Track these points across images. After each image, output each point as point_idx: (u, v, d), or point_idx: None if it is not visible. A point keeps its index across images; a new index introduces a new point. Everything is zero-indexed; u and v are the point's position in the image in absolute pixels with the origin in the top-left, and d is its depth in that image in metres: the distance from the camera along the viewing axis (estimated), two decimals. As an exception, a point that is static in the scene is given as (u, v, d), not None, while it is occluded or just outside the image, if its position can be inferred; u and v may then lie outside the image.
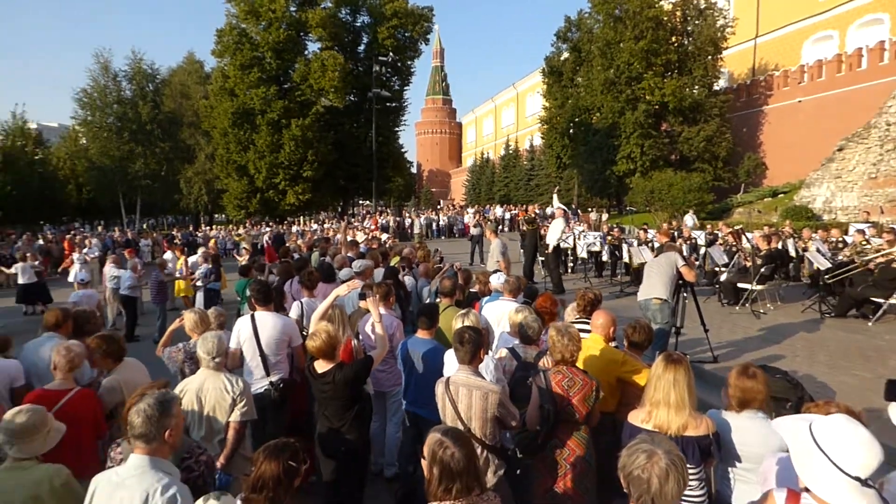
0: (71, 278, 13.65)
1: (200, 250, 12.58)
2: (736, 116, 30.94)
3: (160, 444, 2.17)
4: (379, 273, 7.18)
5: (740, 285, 10.22)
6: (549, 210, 31.79)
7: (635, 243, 12.57)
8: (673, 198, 24.29)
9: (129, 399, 2.38)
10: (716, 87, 30.42)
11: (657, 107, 29.09)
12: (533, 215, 14.25)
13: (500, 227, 30.33)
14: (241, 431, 3.42)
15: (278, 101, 32.74)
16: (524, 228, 14.24)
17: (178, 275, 11.29)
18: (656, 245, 11.11)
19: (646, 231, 14.54)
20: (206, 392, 3.37)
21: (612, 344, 3.99)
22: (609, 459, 3.49)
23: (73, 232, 29.57)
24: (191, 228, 36.44)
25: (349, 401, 3.52)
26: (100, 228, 34.83)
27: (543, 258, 13.60)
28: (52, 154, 43.53)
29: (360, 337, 4.77)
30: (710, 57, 28.75)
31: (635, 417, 2.83)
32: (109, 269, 10.83)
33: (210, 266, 10.47)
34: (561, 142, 37.59)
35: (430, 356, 4.07)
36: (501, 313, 5.07)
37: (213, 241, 19.81)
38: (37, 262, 13.52)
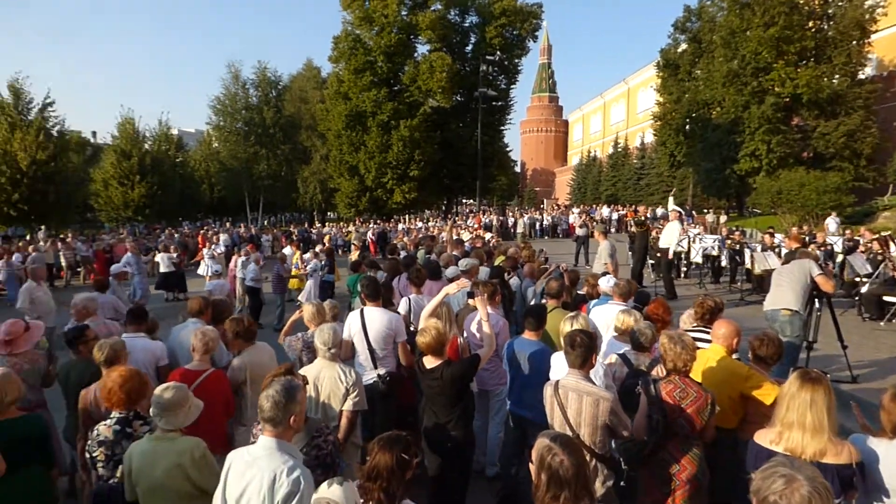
0: (200, 271, 15.17)
1: (318, 247, 13.45)
2: (885, 108, 27.32)
3: (286, 429, 2.33)
4: (483, 272, 7.21)
5: (886, 298, 9.10)
6: (659, 211, 30.15)
7: (759, 248, 11.55)
8: (804, 199, 21.91)
9: (263, 382, 2.59)
10: (861, 76, 26.98)
11: (788, 99, 26.40)
12: (643, 218, 13.57)
13: (608, 228, 29.26)
14: (353, 420, 3.58)
15: (388, 103, 34.01)
16: (633, 230, 13.63)
17: (294, 269, 12.17)
18: (784, 251, 10.17)
19: (772, 235, 13.31)
20: (322, 380, 3.57)
21: (735, 356, 3.70)
22: (727, 479, 3.26)
23: (205, 228, 32.74)
24: (306, 225, 38.93)
25: (456, 397, 3.57)
26: (228, 225, 38.20)
27: (654, 261, 12.93)
28: (190, 157, 48.36)
29: (465, 335, 4.82)
30: (854, 42, 25.50)
31: (763, 438, 2.61)
32: (239, 262, 11.88)
33: (318, 261, 11.38)
34: (675, 139, 35.44)
35: (536, 358, 4.02)
36: (611, 318, 4.89)
37: (327, 237, 21.02)
38: (175, 255, 15.11)
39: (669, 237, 11.32)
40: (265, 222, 49.90)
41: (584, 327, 3.70)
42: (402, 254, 10.81)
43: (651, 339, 3.93)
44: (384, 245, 23.84)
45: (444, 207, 44.54)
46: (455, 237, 13.25)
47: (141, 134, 36.68)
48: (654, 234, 13.30)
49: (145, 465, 2.70)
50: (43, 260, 14.53)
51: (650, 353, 3.96)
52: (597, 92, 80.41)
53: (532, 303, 6.59)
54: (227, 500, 2.32)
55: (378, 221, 33.29)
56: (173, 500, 2.72)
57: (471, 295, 4.73)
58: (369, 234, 25.81)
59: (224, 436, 3.78)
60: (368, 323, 4.51)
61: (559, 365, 3.73)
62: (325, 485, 1.96)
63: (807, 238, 13.16)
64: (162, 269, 14.58)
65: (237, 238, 23.68)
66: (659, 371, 3.48)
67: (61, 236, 23.57)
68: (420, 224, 31.60)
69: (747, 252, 11.77)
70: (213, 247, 17.28)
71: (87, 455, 3.02)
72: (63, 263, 18.15)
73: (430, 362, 3.59)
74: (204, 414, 3.00)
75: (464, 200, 52.53)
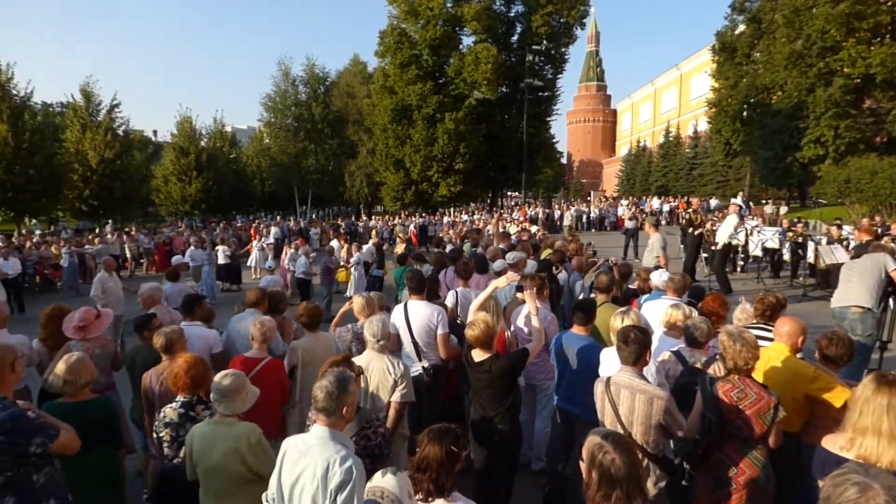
0: (250, 263, 15.71)
1: (371, 242, 13.75)
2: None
3: (338, 419, 2.38)
4: (530, 266, 7.13)
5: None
6: (713, 202, 29.07)
7: (824, 241, 10.94)
8: (876, 188, 20.46)
9: (321, 370, 2.64)
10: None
11: (858, 80, 24.64)
12: (697, 214, 12.97)
13: (659, 220, 28.41)
14: (400, 411, 3.62)
15: (433, 97, 34.07)
16: (683, 223, 13.21)
17: (342, 262, 12.43)
18: (853, 243, 9.60)
19: (839, 227, 12.58)
20: (371, 371, 3.62)
21: (798, 356, 3.51)
22: (790, 485, 3.10)
23: (257, 221, 33.80)
24: (353, 219, 39.60)
25: (504, 391, 3.55)
26: (278, 218, 39.37)
27: (707, 255, 12.50)
28: (243, 153, 50.00)
29: (512, 329, 4.78)
30: (939, 15, 23.59)
31: (831, 443, 2.46)
32: (290, 255, 12.22)
33: (360, 254, 11.77)
34: (731, 126, 33.90)
35: (585, 353, 3.95)
36: (664, 313, 4.75)
37: (374, 230, 21.32)
38: (231, 248, 15.65)
39: (724, 230, 10.89)
40: (313, 216, 51.00)
41: (636, 323, 3.60)
42: (449, 247, 10.82)
43: (706, 334, 3.78)
44: (425, 238, 24.05)
45: (489, 200, 44.37)
46: (501, 230, 13.16)
47: (197, 132, 38.15)
48: (708, 226, 12.81)
49: (205, 448, 2.82)
50: (108, 252, 15.31)
51: (705, 349, 3.82)
52: (647, 79, 78.02)
53: (580, 297, 6.48)
54: (282, 486, 2.38)
55: (423, 214, 33.47)
56: (230, 482, 2.83)
57: (519, 289, 4.67)
58: (411, 226, 26.03)
59: (280, 422, 3.91)
60: (412, 316, 4.55)
61: (609, 361, 3.65)
62: (378, 474, 2.00)
63: (879, 230, 12.36)
64: (219, 261, 15.17)
65: (287, 231, 24.32)
66: (716, 369, 3.35)
67: (126, 229, 24.85)
68: (465, 217, 31.58)
69: (811, 245, 11.18)
70: (262, 239, 17.88)
71: (155, 435, 3.19)
72: (128, 255, 19.13)
73: (478, 355, 3.58)
74: (260, 400, 3.10)
75: (509, 193, 52.13)
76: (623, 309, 3.95)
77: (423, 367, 4.45)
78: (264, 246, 16.42)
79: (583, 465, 2.05)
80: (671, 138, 55.41)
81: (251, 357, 3.89)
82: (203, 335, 4.58)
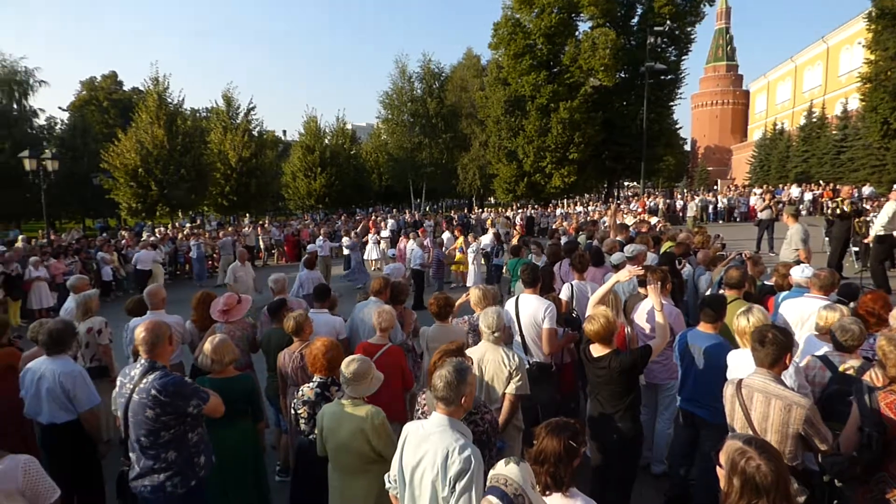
0: (365, 256, 16.50)
1: (492, 232, 13.99)
2: None
3: (457, 408, 2.44)
4: (650, 259, 6.80)
5: None
6: (865, 190, 25.64)
7: None
8: None
9: (433, 357, 2.73)
10: None
11: None
12: (846, 202, 11.46)
13: (799, 210, 25.62)
14: (515, 403, 3.62)
15: (547, 86, 33.42)
16: (829, 213, 11.81)
17: (458, 253, 12.66)
18: None
19: None
20: (486, 363, 3.66)
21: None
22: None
23: (375, 214, 35.41)
24: (465, 211, 40.11)
25: (624, 388, 3.44)
26: (394, 211, 40.91)
27: (858, 249, 11.11)
28: (362, 149, 52.48)
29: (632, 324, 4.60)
30: None
31: None
32: (408, 246, 12.68)
33: (477, 244, 11.89)
34: (891, 103, 29.45)
35: (712, 352, 3.72)
36: (805, 313, 4.31)
37: (489, 220, 21.51)
38: (354, 240, 16.55)
39: (881, 218, 9.55)
40: (427, 208, 52.30)
41: (760, 321, 3.31)
42: (563, 239, 10.61)
43: (857, 336, 3.33)
44: (531, 230, 23.86)
45: (604, 191, 42.73)
46: (619, 222, 12.65)
47: (322, 130, 40.70)
48: (865, 217, 11.35)
49: (333, 426, 3.04)
50: (231, 245, 16.76)
51: (856, 354, 3.40)
52: (785, 55, 70.04)
53: (707, 293, 6.06)
54: (403, 469, 2.49)
55: (535, 207, 33.01)
56: (356, 460, 3.02)
57: (642, 283, 4.47)
58: (517, 219, 25.89)
59: (403, 406, 4.07)
60: (521, 310, 4.56)
61: (736, 363, 3.40)
62: (502, 463, 2.03)
63: None
64: (344, 252, 16.18)
65: (403, 223, 25.23)
66: (873, 377, 2.97)
67: (259, 222, 27.25)
68: (579, 208, 30.70)
69: None
70: (382, 233, 18.79)
71: (293, 412, 3.48)
72: (261, 246, 20.97)
73: (597, 351, 3.50)
74: (383, 385, 3.27)
75: (626, 183, 49.75)
76: (745, 307, 3.63)
77: (528, 361, 4.44)
78: (379, 238, 17.25)
79: (720, 472, 1.94)
80: (814, 119, 49.42)
81: (373, 343, 4.13)
82: (329, 322, 4.91)
